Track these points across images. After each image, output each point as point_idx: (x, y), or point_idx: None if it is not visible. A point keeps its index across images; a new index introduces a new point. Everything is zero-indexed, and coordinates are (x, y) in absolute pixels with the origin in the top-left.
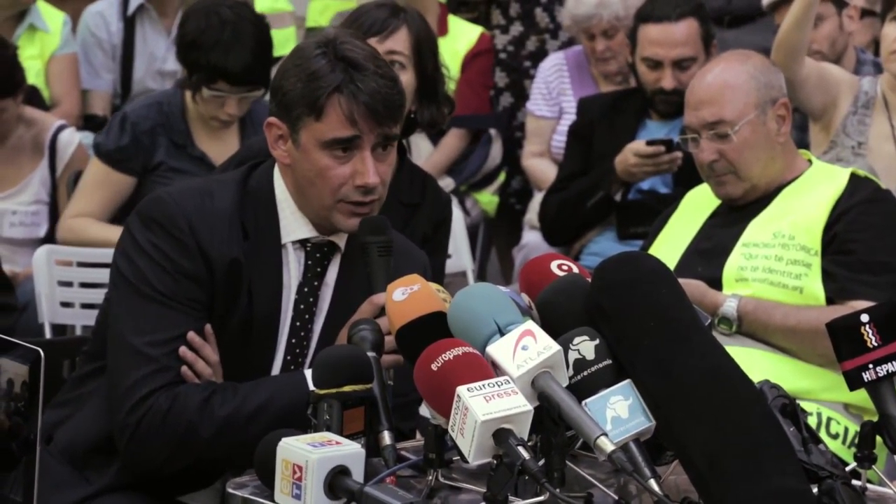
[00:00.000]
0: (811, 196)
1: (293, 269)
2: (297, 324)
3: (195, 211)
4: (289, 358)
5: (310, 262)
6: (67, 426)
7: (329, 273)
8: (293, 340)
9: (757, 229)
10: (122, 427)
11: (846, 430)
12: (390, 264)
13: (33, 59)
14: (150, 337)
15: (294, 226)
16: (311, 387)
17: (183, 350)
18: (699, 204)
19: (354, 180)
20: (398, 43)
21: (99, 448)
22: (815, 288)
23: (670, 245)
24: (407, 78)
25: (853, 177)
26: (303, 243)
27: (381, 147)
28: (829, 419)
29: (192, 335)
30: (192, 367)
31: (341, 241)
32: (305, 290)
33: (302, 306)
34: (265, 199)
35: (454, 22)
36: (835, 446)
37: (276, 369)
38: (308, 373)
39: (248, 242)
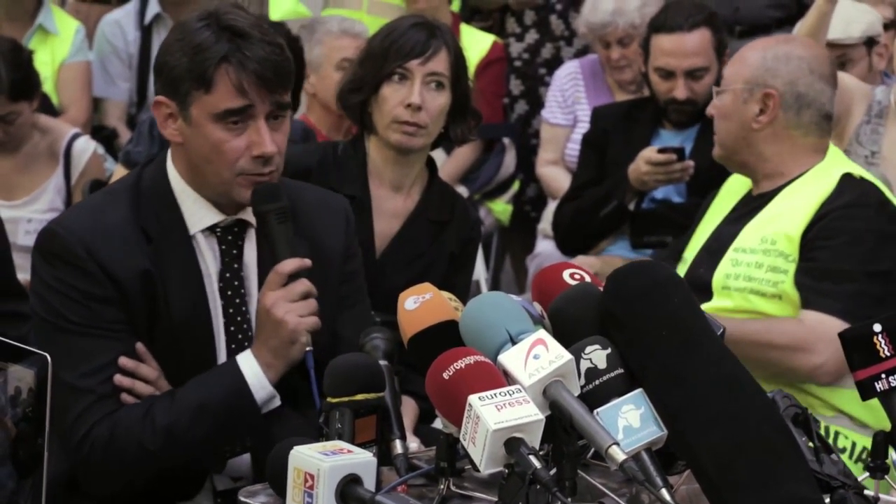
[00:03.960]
0: (802, 198)
1: (209, 258)
2: (231, 311)
3: (89, 233)
4: (233, 346)
5: (223, 247)
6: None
7: (247, 253)
8: (232, 328)
9: (749, 233)
10: (76, 464)
11: (854, 444)
12: (290, 230)
13: (45, 64)
14: (81, 370)
15: (199, 214)
16: (244, 371)
17: (118, 378)
18: (732, 190)
19: (251, 151)
20: (440, 64)
21: (72, 484)
22: (792, 294)
23: (699, 236)
24: (446, 98)
25: (844, 177)
26: (212, 230)
27: (273, 117)
28: (836, 433)
29: (123, 360)
30: (132, 391)
31: (251, 217)
32: (227, 275)
33: (229, 293)
34: (162, 194)
35: (466, 31)
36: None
37: (221, 362)
38: (239, 358)
39: (153, 245)
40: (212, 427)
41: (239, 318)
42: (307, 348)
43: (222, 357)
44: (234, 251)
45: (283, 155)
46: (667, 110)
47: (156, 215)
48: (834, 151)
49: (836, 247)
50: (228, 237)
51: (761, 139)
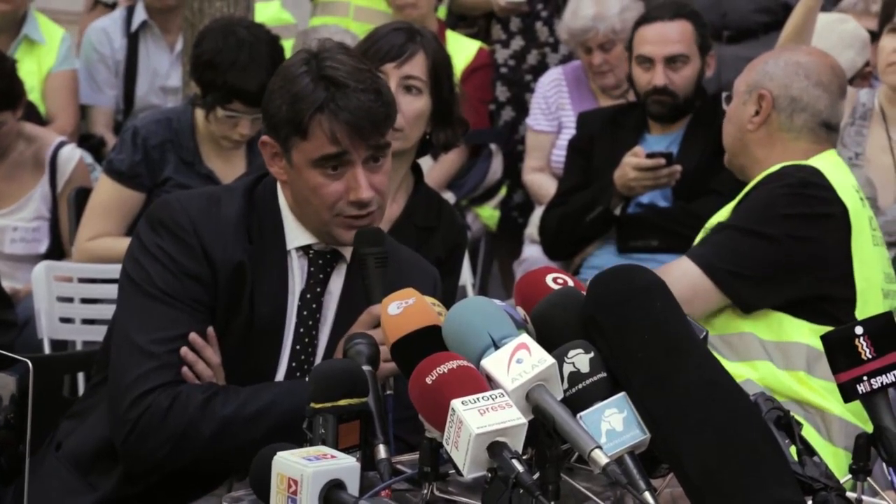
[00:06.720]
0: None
1: (297, 275)
2: (301, 331)
3: (200, 215)
4: (293, 365)
5: (312, 269)
6: (76, 433)
7: (333, 282)
8: (297, 347)
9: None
10: (121, 422)
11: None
12: (386, 275)
13: (31, 74)
14: (153, 335)
15: (297, 233)
16: None
17: (184, 350)
18: None
19: (348, 196)
20: (415, 68)
21: (103, 452)
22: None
23: None
24: (423, 102)
25: (785, 166)
26: (305, 251)
27: (372, 159)
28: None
29: (193, 336)
30: (193, 368)
31: (346, 250)
32: (308, 296)
33: (305, 313)
34: (270, 206)
35: (452, 37)
36: None
37: (280, 376)
38: None
39: (253, 247)
40: (265, 434)
41: (307, 340)
42: (388, 391)
43: (281, 372)
44: (321, 276)
45: (386, 194)
46: (647, 104)
47: (260, 222)
48: (825, 156)
49: (736, 209)
50: (319, 261)
51: (754, 141)
